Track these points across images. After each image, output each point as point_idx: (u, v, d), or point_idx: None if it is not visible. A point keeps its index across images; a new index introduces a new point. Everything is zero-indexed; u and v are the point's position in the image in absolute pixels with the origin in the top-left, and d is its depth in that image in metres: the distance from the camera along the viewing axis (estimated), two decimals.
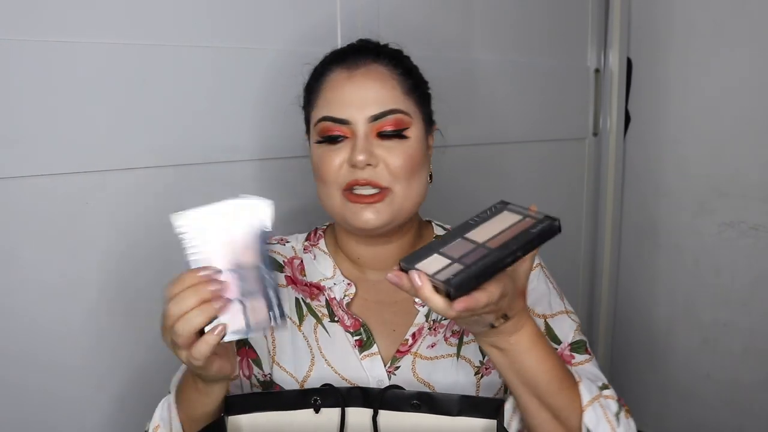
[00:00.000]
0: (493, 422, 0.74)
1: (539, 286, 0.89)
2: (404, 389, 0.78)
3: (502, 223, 0.65)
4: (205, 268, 0.65)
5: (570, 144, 1.81)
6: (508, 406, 0.76)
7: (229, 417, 0.77)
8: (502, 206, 0.67)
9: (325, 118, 0.83)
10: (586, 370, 0.82)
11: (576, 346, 0.85)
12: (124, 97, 1.02)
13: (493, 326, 0.67)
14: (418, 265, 0.63)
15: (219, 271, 0.65)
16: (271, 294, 0.66)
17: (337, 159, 0.82)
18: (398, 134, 0.82)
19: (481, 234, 0.65)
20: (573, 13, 1.74)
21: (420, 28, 1.38)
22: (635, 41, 1.83)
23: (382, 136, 0.81)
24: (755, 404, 1.71)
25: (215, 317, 0.64)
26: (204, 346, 0.64)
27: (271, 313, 0.66)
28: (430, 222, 0.97)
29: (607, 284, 1.93)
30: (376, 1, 1.30)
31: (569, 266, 1.87)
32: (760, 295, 1.68)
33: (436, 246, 0.65)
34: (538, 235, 0.62)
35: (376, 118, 0.81)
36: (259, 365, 0.89)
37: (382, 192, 0.81)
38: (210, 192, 1.14)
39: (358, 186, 0.81)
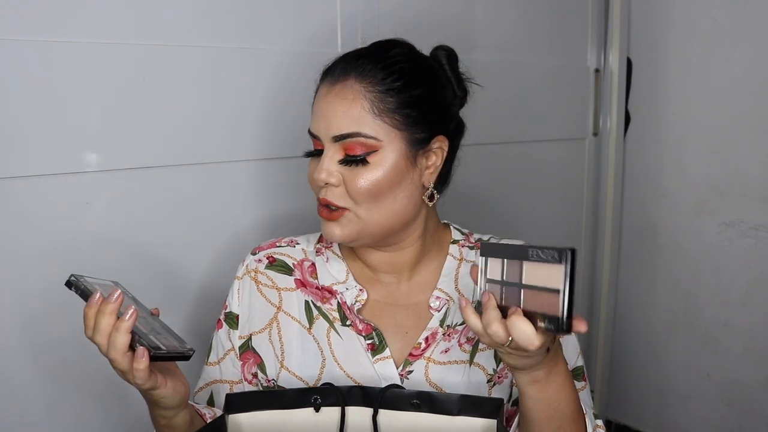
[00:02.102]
0: (493, 422, 0.74)
1: None
2: (404, 388, 0.78)
3: (548, 279, 0.63)
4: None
5: (570, 144, 1.81)
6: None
7: (230, 415, 0.77)
8: (565, 260, 0.61)
9: (309, 132, 0.84)
10: (581, 398, 0.87)
11: (576, 373, 0.89)
12: (124, 97, 1.02)
13: (547, 350, 0.69)
14: (490, 260, 0.70)
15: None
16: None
17: (313, 172, 0.83)
18: (362, 159, 0.79)
19: (531, 274, 0.65)
20: (573, 13, 1.74)
21: (420, 28, 1.37)
22: (635, 41, 1.83)
23: (348, 157, 0.80)
24: (755, 404, 1.71)
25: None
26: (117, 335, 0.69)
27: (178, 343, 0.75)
28: (448, 225, 0.96)
29: (607, 284, 1.93)
30: (377, 1, 1.30)
31: None
32: (760, 295, 1.68)
33: (510, 252, 0.68)
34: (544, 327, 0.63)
35: (337, 139, 0.80)
36: (263, 370, 0.89)
37: (339, 210, 0.81)
38: (210, 192, 1.15)
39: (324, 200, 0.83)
